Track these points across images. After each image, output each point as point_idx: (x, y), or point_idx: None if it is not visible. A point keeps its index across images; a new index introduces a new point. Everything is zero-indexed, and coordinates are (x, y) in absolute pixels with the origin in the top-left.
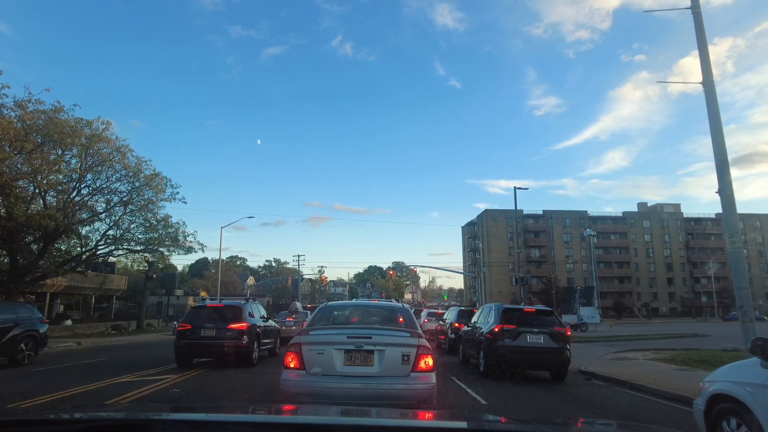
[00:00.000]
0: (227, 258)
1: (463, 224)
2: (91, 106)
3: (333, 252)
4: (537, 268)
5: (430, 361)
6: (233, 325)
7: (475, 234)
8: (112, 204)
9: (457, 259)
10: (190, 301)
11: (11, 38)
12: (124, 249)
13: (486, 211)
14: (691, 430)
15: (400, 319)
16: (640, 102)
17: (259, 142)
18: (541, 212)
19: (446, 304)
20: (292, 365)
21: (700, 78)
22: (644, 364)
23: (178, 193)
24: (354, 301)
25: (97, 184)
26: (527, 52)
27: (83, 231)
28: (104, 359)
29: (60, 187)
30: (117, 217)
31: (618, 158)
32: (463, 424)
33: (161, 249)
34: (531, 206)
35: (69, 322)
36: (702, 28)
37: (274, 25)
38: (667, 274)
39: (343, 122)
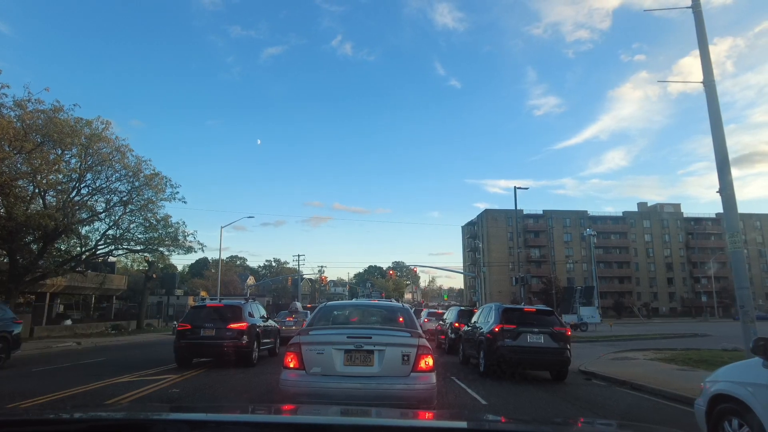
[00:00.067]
0: (227, 258)
1: (463, 224)
2: (91, 106)
3: (333, 252)
4: (537, 268)
5: (430, 361)
6: (233, 325)
7: (475, 234)
8: (111, 204)
9: (457, 259)
10: (190, 301)
11: (11, 38)
12: (123, 249)
13: (486, 211)
14: (691, 430)
15: (400, 319)
16: (640, 102)
17: (259, 142)
18: (541, 212)
19: (446, 303)
20: (291, 365)
21: (699, 77)
22: (644, 364)
23: (177, 192)
24: (354, 300)
25: (97, 184)
26: (527, 52)
27: (83, 231)
28: (104, 359)
29: (60, 187)
30: (117, 217)
31: (618, 158)
32: (463, 424)
33: (161, 249)
34: (531, 206)
35: (69, 322)
36: (703, 27)
37: (273, 25)
38: (667, 274)
39: (343, 122)
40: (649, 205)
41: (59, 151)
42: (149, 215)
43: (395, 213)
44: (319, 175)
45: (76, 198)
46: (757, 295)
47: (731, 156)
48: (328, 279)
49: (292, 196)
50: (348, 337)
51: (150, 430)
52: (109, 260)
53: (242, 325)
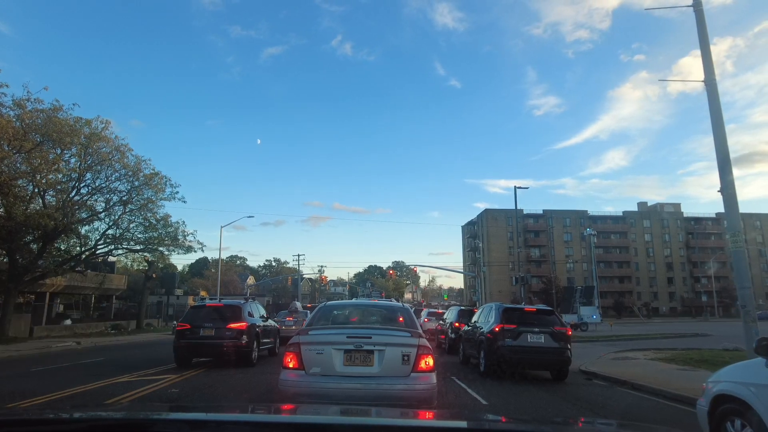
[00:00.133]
0: (227, 257)
1: (463, 224)
2: (91, 106)
3: (333, 252)
4: (537, 267)
5: (430, 361)
6: (232, 325)
7: (475, 233)
8: (111, 203)
9: (457, 259)
10: (190, 301)
11: (11, 38)
12: (123, 248)
13: (486, 210)
14: (692, 430)
15: (400, 319)
16: (640, 102)
17: (259, 141)
18: (541, 212)
19: (446, 303)
20: (291, 365)
21: (699, 77)
22: (645, 363)
23: (177, 192)
24: (354, 300)
25: (97, 184)
26: (527, 52)
27: (83, 230)
28: (103, 359)
29: (59, 187)
30: (116, 217)
31: (618, 158)
32: (463, 424)
33: (161, 248)
34: (531, 206)
35: (68, 322)
36: (704, 26)
37: (273, 25)
38: (667, 273)
39: (343, 122)
40: (649, 204)
41: (59, 151)
42: (149, 215)
43: (395, 213)
44: (319, 175)
45: (76, 197)
46: (757, 295)
47: (731, 156)
48: (328, 279)
49: (292, 196)
50: (348, 337)
51: (150, 430)
52: (108, 260)
53: (242, 324)
